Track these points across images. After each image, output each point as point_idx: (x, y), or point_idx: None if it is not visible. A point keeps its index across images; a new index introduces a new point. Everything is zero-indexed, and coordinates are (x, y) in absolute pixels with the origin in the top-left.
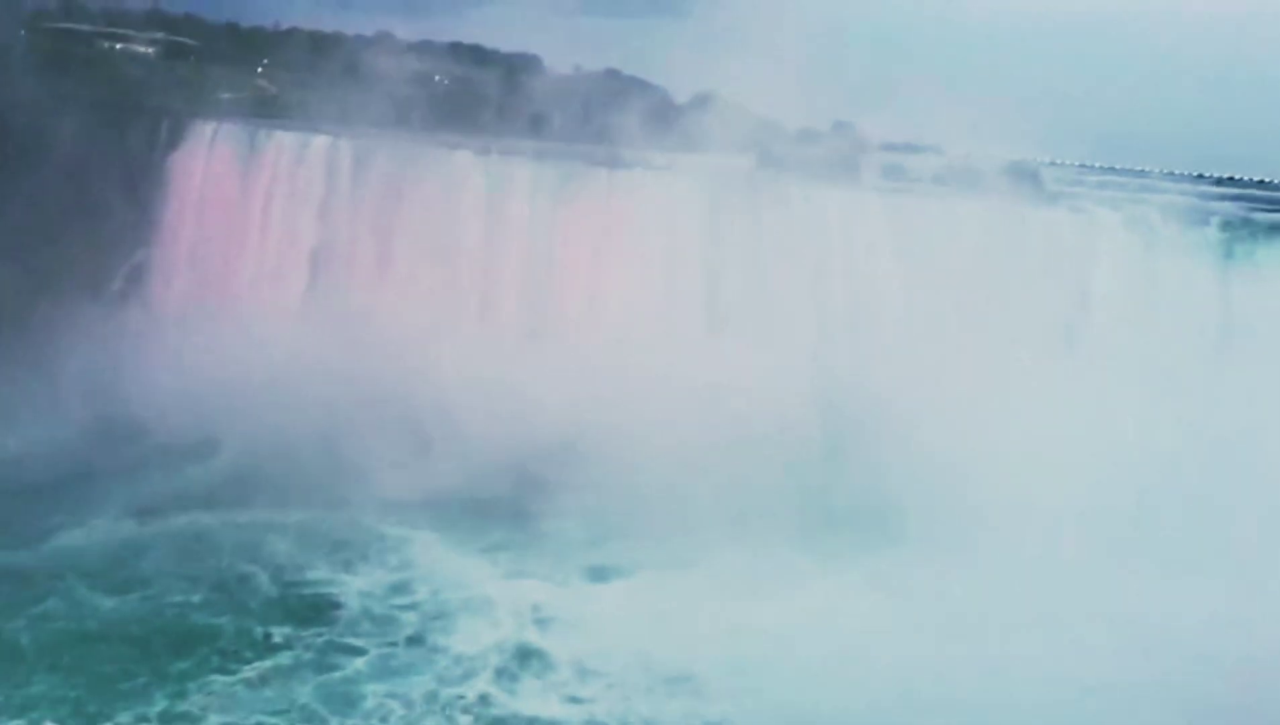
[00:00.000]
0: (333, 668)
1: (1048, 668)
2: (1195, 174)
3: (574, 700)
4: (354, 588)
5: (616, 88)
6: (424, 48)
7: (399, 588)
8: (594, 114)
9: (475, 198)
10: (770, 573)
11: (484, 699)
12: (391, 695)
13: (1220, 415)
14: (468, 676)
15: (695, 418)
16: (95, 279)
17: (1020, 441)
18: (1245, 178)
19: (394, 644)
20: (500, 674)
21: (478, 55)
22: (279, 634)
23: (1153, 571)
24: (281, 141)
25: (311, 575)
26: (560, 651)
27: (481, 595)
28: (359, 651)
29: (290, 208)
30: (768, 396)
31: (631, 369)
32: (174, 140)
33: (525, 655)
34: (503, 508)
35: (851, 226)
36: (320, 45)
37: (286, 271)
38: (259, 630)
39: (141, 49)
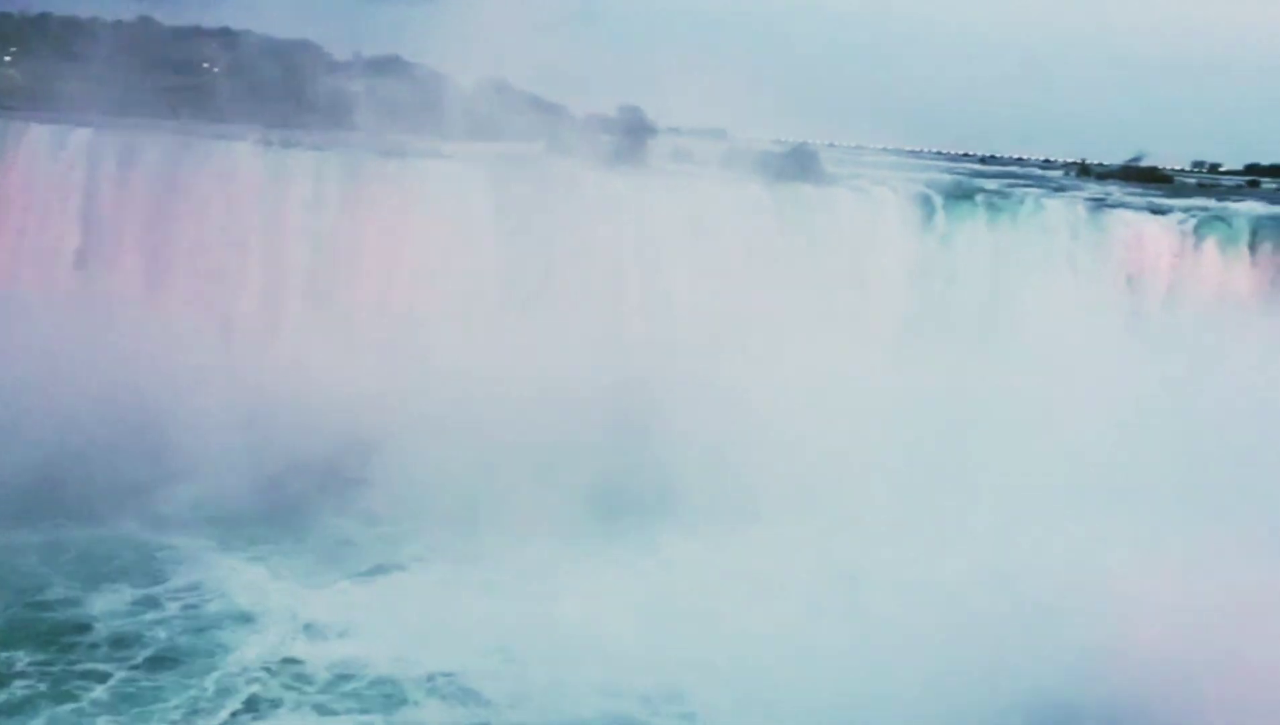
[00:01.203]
0: (68, 697)
1: (822, 637)
2: (961, 152)
3: (327, 712)
4: (103, 608)
5: (400, 75)
6: (192, 34)
7: (153, 603)
8: (378, 102)
9: (255, 191)
10: (555, 562)
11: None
12: None
13: (991, 380)
14: (221, 696)
15: (491, 407)
16: None
17: (811, 417)
18: (1005, 155)
19: (138, 667)
20: (253, 694)
21: (252, 42)
22: (17, 663)
23: (930, 535)
24: (37, 135)
25: (57, 596)
26: (320, 659)
27: (248, 606)
28: (101, 677)
29: (50, 206)
30: (564, 383)
31: (426, 361)
32: None
33: (284, 667)
34: (285, 511)
35: (642, 210)
36: (76, 31)
37: (48, 273)
38: None
39: None
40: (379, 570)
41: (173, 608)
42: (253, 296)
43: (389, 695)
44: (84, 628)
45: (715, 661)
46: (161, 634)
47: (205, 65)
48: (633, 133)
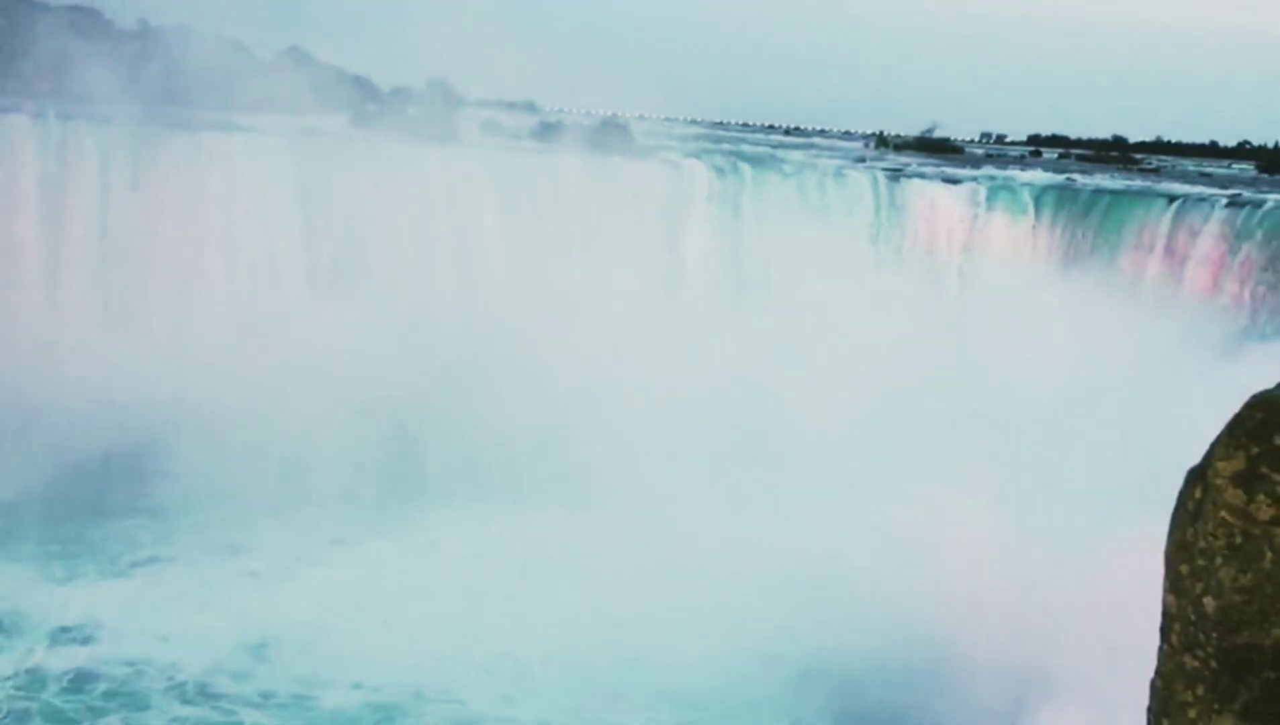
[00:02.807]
0: None
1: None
2: (766, 124)
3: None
4: None
5: (191, 43)
6: None
7: None
8: (166, 72)
9: (30, 170)
10: (330, 545)
11: None
12: None
13: (790, 352)
14: None
15: (293, 395)
16: None
17: (627, 390)
18: (808, 127)
19: None
20: None
21: (19, 6)
22: None
23: (736, 510)
24: None
25: None
26: (60, 666)
27: (34, 609)
28: None
29: None
30: (371, 362)
31: (227, 346)
32: None
33: (28, 678)
34: (68, 510)
35: (452, 185)
36: None
37: None
38: None
39: None
40: (150, 566)
41: None
42: (32, 285)
43: (128, 699)
44: None
45: (494, 650)
46: None
47: None
48: (441, 105)
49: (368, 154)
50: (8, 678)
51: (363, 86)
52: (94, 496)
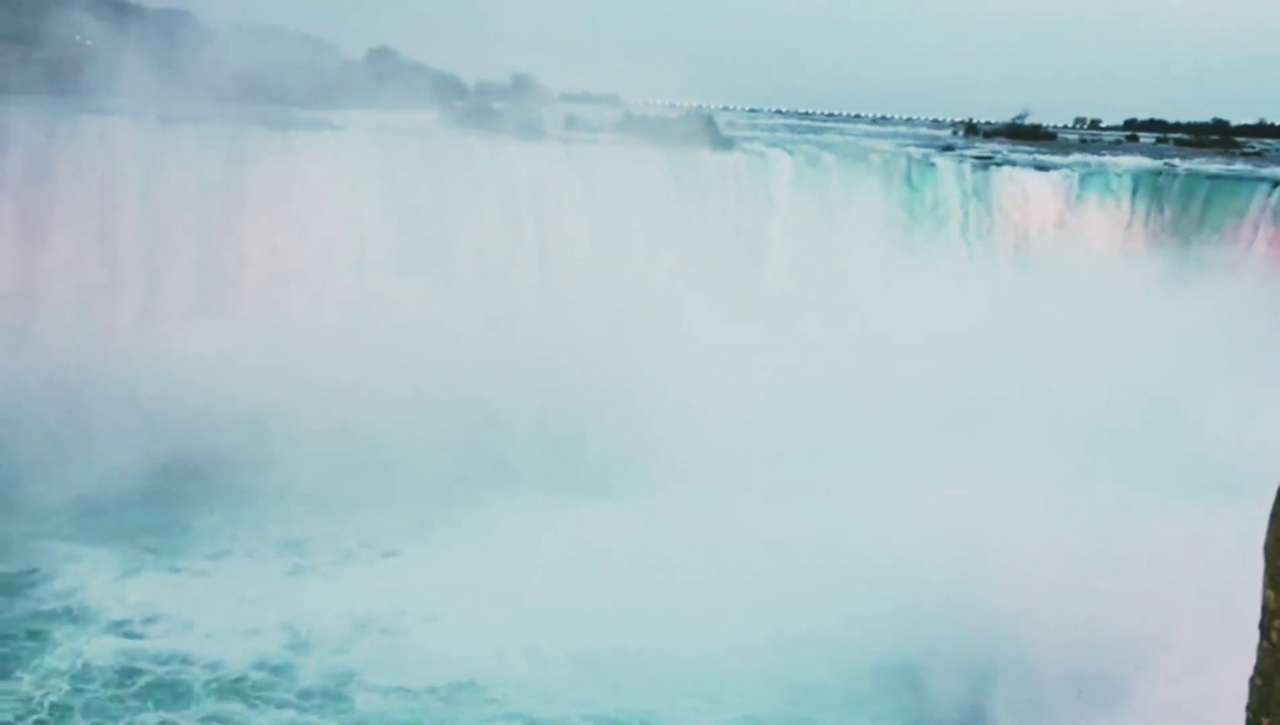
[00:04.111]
0: None
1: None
2: (853, 114)
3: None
4: None
5: (283, 45)
6: (63, 4)
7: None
8: (260, 74)
9: (133, 169)
10: (415, 535)
11: None
12: None
13: (897, 332)
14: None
15: (386, 384)
16: None
17: (706, 381)
18: (895, 116)
19: None
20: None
21: (123, 12)
22: None
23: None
24: None
25: None
26: (114, 659)
27: (87, 601)
28: None
29: None
30: (461, 353)
31: (317, 338)
32: None
33: (83, 669)
34: (161, 501)
35: (538, 178)
36: None
37: None
38: None
39: None
40: (226, 559)
41: (5, 609)
42: (135, 279)
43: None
44: None
45: (575, 641)
46: None
47: (77, 38)
48: (526, 100)
49: (453, 149)
50: (63, 672)
51: (449, 83)
52: (181, 488)
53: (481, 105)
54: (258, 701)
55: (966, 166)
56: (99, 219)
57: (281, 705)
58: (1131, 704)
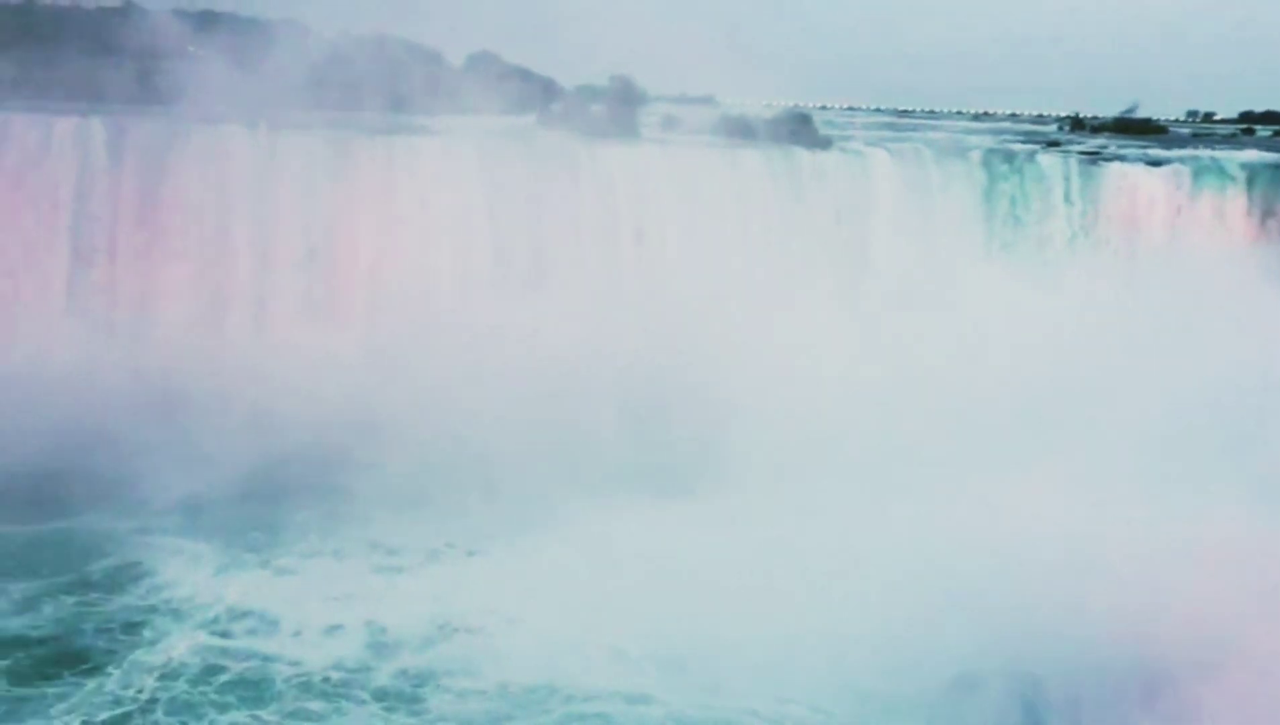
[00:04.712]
0: None
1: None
2: (955, 110)
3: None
4: (30, 600)
5: (388, 52)
6: (174, 18)
7: (89, 597)
8: (366, 81)
9: (244, 175)
10: (511, 537)
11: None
12: None
13: (1001, 336)
14: (114, 693)
15: (487, 385)
16: None
17: (806, 383)
18: (998, 112)
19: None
20: (137, 692)
21: (235, 24)
22: None
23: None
24: (23, 126)
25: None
26: (203, 656)
27: (182, 597)
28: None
29: (41, 197)
30: (559, 358)
31: (418, 339)
32: None
33: (176, 664)
34: (263, 500)
35: (635, 180)
36: (58, 19)
37: (44, 267)
38: None
39: None
40: (317, 558)
41: (106, 603)
42: (245, 283)
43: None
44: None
45: (673, 641)
46: (88, 627)
47: (190, 49)
48: (623, 102)
49: (552, 152)
50: (152, 667)
51: (548, 86)
52: (282, 487)
53: (579, 108)
54: (337, 700)
55: (1072, 162)
56: (211, 225)
57: (360, 704)
58: None
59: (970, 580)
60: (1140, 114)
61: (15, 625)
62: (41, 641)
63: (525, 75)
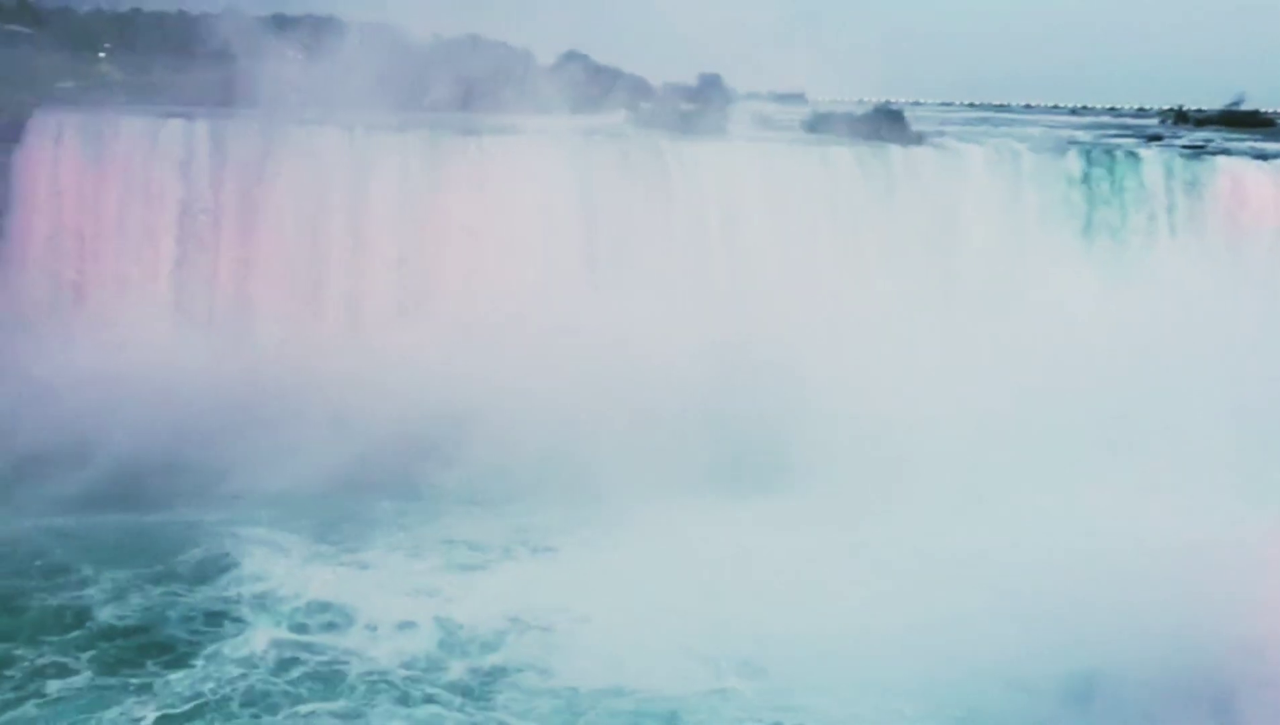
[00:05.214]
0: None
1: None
2: (1051, 104)
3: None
4: (119, 592)
5: (479, 53)
6: (278, 23)
7: (179, 589)
8: (458, 82)
9: (341, 175)
10: (596, 535)
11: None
12: None
13: (1097, 336)
14: (196, 686)
15: (577, 383)
16: None
17: (896, 383)
18: (1098, 106)
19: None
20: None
21: (332, 28)
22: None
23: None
24: (132, 129)
25: (77, 580)
26: (286, 650)
27: (264, 590)
28: (66, 672)
29: (149, 198)
30: (654, 352)
31: (509, 336)
32: (14, 135)
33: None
34: (351, 495)
35: (725, 178)
36: (165, 25)
37: (150, 266)
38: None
39: None
40: (398, 553)
41: (191, 594)
42: (338, 282)
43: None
44: (86, 612)
45: (768, 645)
46: (173, 616)
47: (290, 53)
48: (712, 100)
49: (641, 151)
50: (230, 658)
51: (637, 85)
52: (370, 482)
53: (668, 106)
54: (407, 696)
55: (1175, 157)
56: (307, 225)
57: (429, 700)
58: None
59: (1056, 586)
60: (1247, 106)
61: (104, 615)
62: (128, 631)
63: (615, 74)
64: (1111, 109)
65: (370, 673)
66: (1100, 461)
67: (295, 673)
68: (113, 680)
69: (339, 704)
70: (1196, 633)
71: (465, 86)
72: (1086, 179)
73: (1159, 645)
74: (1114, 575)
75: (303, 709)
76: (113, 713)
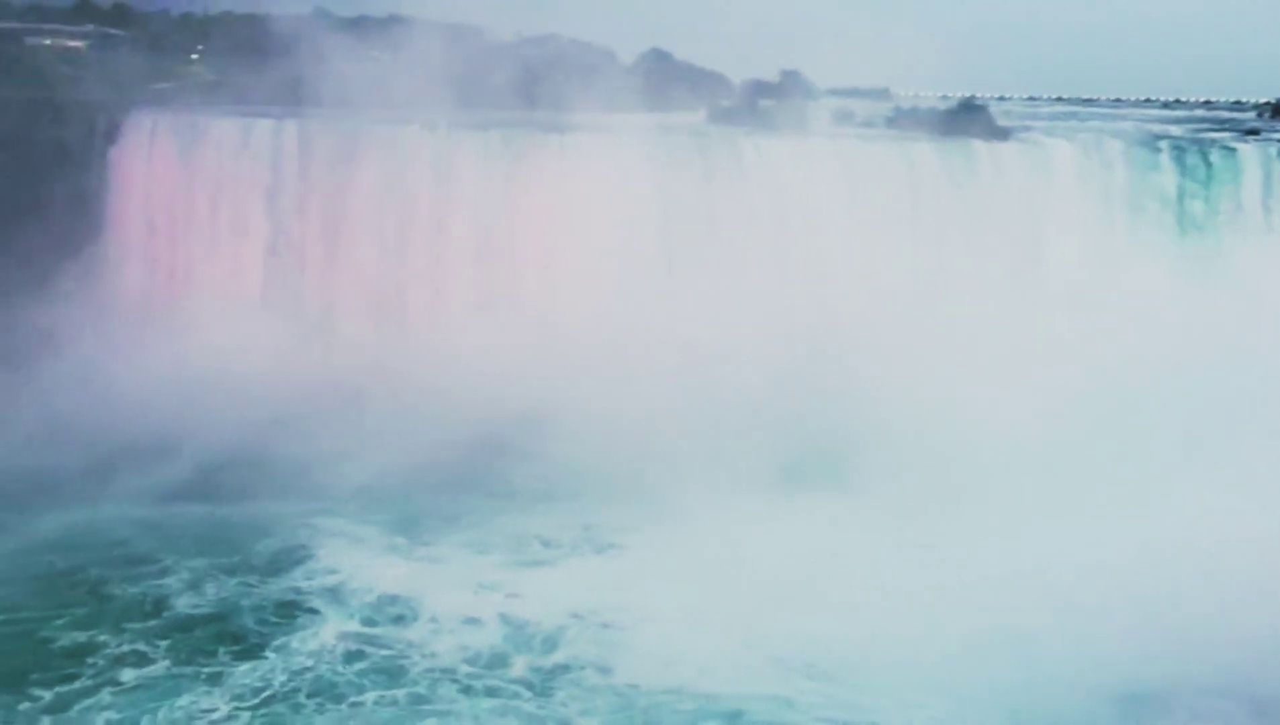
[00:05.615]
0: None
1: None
2: (1143, 99)
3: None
4: (195, 582)
5: (560, 52)
6: (361, 24)
7: (246, 583)
8: (539, 80)
9: (424, 174)
10: (669, 530)
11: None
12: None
13: (1183, 337)
14: (266, 677)
15: (657, 377)
16: (43, 280)
17: (978, 381)
18: (1191, 99)
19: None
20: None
21: (416, 29)
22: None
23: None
24: (223, 128)
25: (154, 569)
26: (354, 642)
27: (335, 583)
28: (143, 660)
29: (238, 196)
30: (727, 350)
31: (587, 330)
32: (112, 135)
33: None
34: (431, 489)
35: (805, 174)
36: (255, 27)
37: (240, 262)
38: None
39: (72, 43)
40: (466, 549)
41: (265, 585)
42: (422, 278)
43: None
44: (164, 601)
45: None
46: (247, 606)
47: (375, 53)
48: (793, 96)
49: (720, 148)
50: (299, 650)
51: (718, 82)
52: (447, 477)
53: (749, 103)
54: (469, 689)
55: (1274, 151)
56: (392, 221)
57: (490, 694)
58: None
59: (1126, 591)
60: None
61: (182, 604)
62: (203, 621)
63: (694, 72)
64: (1206, 102)
65: (433, 668)
66: (1177, 465)
67: (361, 664)
68: (187, 670)
69: (403, 697)
70: (1273, 639)
71: (546, 85)
72: (1179, 174)
73: (1231, 652)
74: (1187, 581)
75: (367, 700)
76: (185, 701)
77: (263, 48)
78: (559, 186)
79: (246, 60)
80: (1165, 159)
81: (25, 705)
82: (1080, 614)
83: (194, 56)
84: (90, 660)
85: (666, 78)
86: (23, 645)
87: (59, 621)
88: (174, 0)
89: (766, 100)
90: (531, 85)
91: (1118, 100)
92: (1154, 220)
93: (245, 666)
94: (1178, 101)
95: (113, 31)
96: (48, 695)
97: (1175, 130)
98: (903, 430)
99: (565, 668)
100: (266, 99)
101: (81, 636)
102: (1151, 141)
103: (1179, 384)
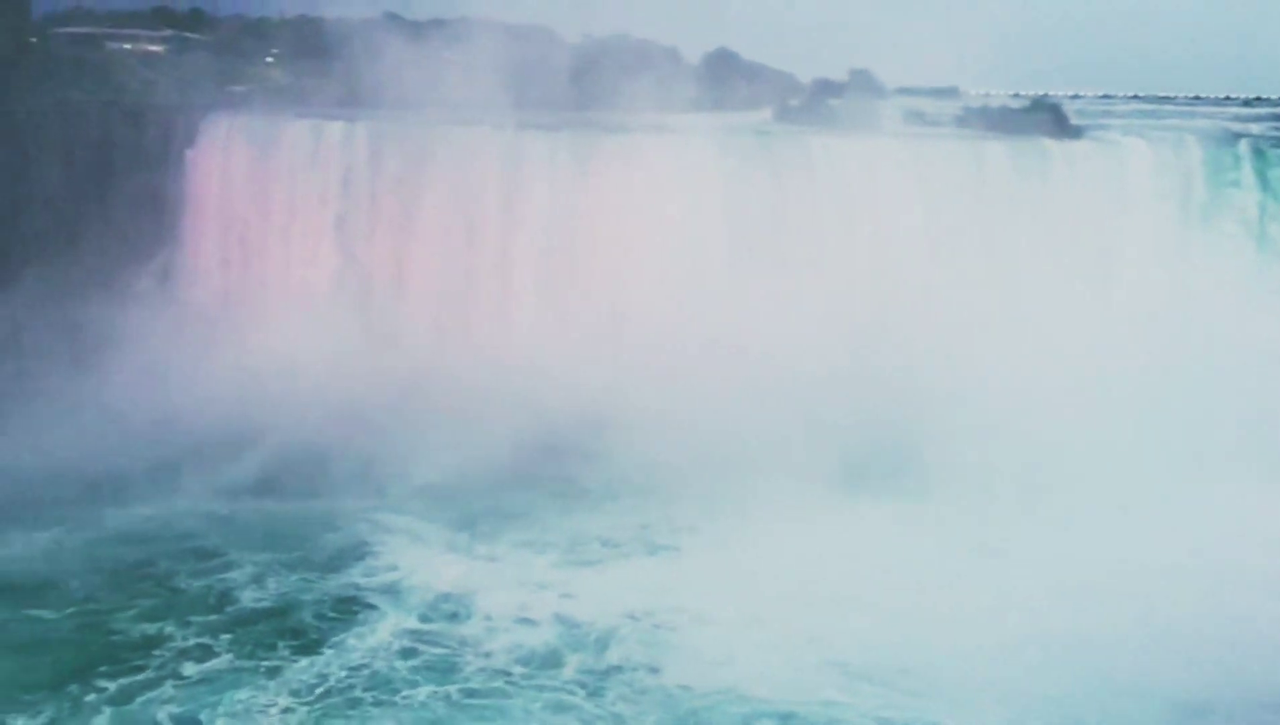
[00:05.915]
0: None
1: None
2: (1222, 96)
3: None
4: (258, 578)
5: (628, 52)
6: (432, 27)
7: (307, 579)
8: (607, 81)
9: (493, 175)
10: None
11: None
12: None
13: (1258, 337)
14: (321, 671)
15: (724, 377)
16: (122, 280)
17: (1048, 383)
18: (1274, 97)
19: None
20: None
21: (488, 31)
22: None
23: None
24: (297, 131)
25: (222, 564)
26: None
27: (393, 581)
28: (206, 654)
29: (311, 198)
30: (796, 350)
31: (656, 332)
32: (190, 137)
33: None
34: (495, 488)
35: (873, 174)
36: (326, 31)
37: (313, 263)
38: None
39: (151, 47)
40: (524, 549)
41: (325, 581)
42: (491, 278)
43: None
44: (228, 595)
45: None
46: (307, 600)
47: (445, 55)
48: (863, 96)
49: (788, 147)
50: (355, 647)
51: (785, 81)
52: (510, 476)
53: (816, 102)
54: (522, 687)
55: None
56: (461, 222)
57: (542, 692)
58: None
59: (1195, 597)
60: None
61: (244, 599)
62: (265, 615)
63: (762, 71)
64: None
65: (487, 666)
66: (1249, 474)
67: (416, 661)
68: (247, 664)
69: (456, 694)
70: None
71: (612, 85)
72: (1260, 174)
73: None
74: (1261, 594)
75: (421, 696)
76: (244, 695)
77: (334, 51)
78: (626, 186)
79: (318, 63)
80: (1245, 158)
81: (91, 697)
82: (1150, 624)
83: (269, 60)
84: (156, 653)
85: (733, 77)
86: (92, 637)
87: (127, 614)
88: (248, 4)
89: (834, 99)
90: (598, 86)
91: (1196, 97)
92: (1232, 222)
93: (304, 661)
94: (1259, 99)
95: (190, 35)
96: (112, 687)
97: (1256, 128)
98: (968, 434)
99: (618, 668)
100: (338, 101)
101: (150, 629)
102: (1231, 140)
103: (1250, 392)
